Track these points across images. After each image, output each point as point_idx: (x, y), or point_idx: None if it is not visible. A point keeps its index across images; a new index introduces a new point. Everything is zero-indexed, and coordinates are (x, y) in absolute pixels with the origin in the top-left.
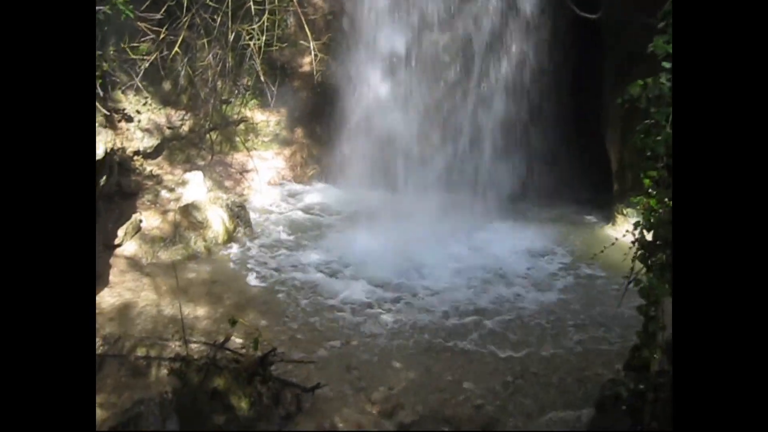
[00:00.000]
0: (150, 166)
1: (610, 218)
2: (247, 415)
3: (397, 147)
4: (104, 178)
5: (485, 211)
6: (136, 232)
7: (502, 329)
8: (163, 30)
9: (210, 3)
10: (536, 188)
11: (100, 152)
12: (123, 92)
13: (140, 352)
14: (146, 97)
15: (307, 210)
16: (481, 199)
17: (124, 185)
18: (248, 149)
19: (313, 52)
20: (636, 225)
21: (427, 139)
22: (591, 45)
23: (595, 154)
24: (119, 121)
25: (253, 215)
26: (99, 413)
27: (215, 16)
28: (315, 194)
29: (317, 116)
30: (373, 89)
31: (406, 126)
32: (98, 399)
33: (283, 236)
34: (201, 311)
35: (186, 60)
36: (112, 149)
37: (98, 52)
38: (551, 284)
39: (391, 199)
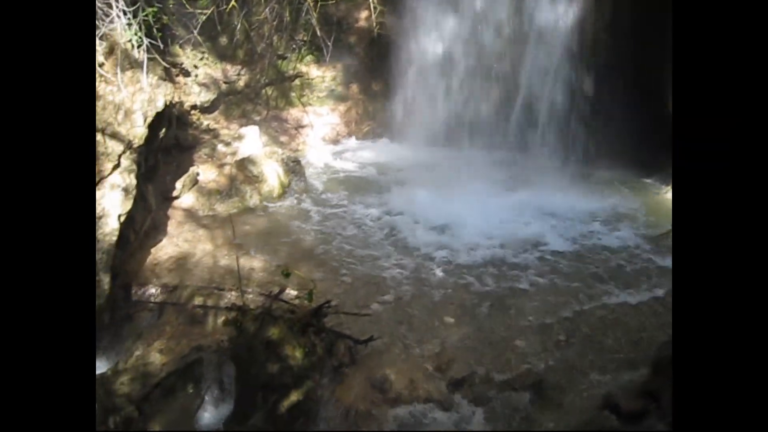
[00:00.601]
0: (206, 121)
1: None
2: (300, 365)
3: (453, 104)
4: (163, 130)
5: (542, 170)
6: (193, 185)
7: (555, 288)
8: None
9: None
10: (594, 149)
11: (159, 105)
12: (181, 46)
13: (198, 301)
14: (203, 52)
15: (361, 166)
16: (538, 158)
17: (182, 139)
18: (303, 105)
19: (372, 4)
20: None
21: (485, 96)
22: None
23: (658, 114)
24: (177, 75)
25: (308, 170)
26: (158, 358)
27: None
28: (370, 150)
29: (373, 72)
30: (431, 44)
31: (463, 82)
32: (157, 345)
33: (338, 191)
34: (256, 263)
35: (243, 14)
36: (171, 102)
37: (158, 6)
38: (606, 245)
39: (447, 156)
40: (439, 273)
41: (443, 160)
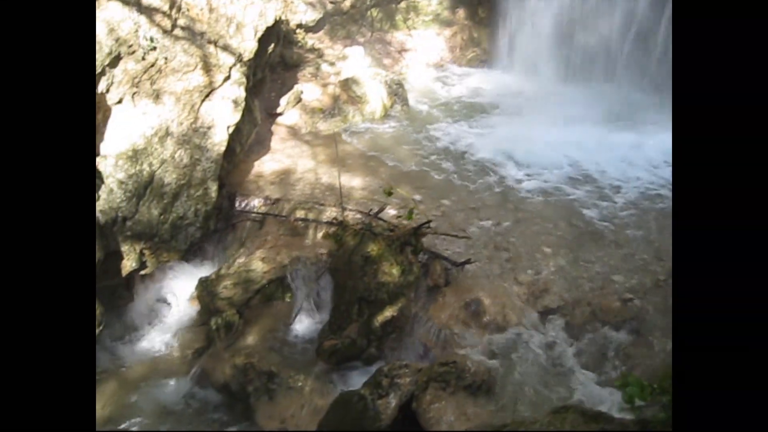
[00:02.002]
0: (311, 40)
1: None
2: (396, 282)
3: (560, 35)
4: (272, 46)
5: (648, 106)
6: (297, 103)
7: (659, 226)
8: None
9: None
10: None
11: (270, 20)
12: None
13: (299, 214)
14: None
15: (464, 92)
16: (644, 94)
17: (287, 57)
18: (408, 28)
19: None
20: None
21: (595, 26)
22: None
23: None
24: None
25: (410, 94)
26: (260, 266)
27: None
28: (473, 77)
29: None
30: None
31: (571, 13)
32: (259, 254)
33: (439, 116)
34: (356, 182)
35: None
36: (280, 18)
37: None
38: None
39: (552, 87)
40: (539, 204)
41: (548, 91)
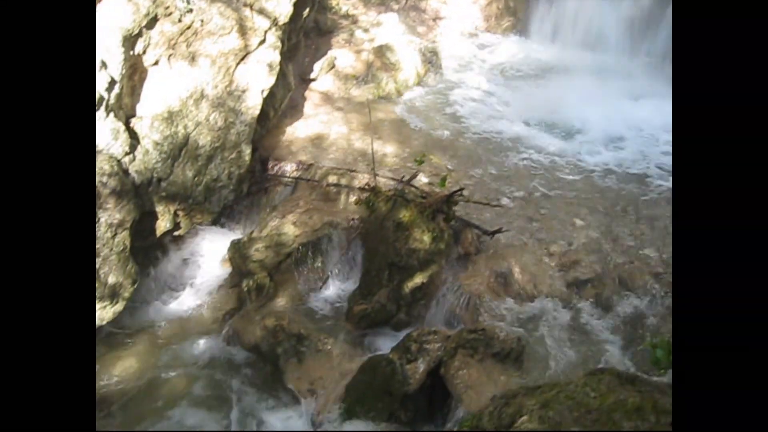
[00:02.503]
0: (346, 6)
1: None
2: (427, 249)
3: (599, 5)
4: (306, 10)
5: None
6: (330, 69)
7: None
8: None
9: None
10: None
11: None
12: None
13: (331, 179)
14: None
15: (499, 61)
16: None
17: (321, 22)
18: None
19: None
20: None
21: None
22: None
23: None
24: None
25: (444, 62)
26: (291, 229)
27: None
28: (508, 46)
29: None
30: None
31: None
32: (291, 217)
33: (473, 84)
34: (389, 149)
35: None
36: None
37: None
38: None
39: (588, 59)
40: (571, 174)
41: (585, 63)
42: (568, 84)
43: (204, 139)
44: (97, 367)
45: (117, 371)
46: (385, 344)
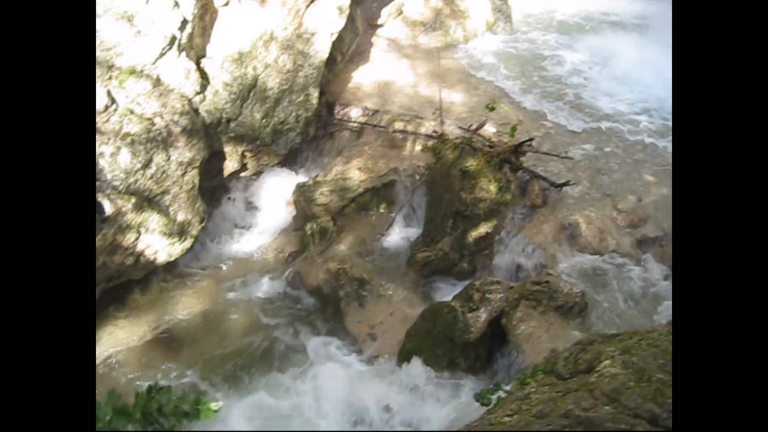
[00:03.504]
0: None
1: None
2: (493, 199)
3: None
4: None
5: None
6: (398, 15)
7: None
8: None
9: None
10: None
11: None
12: None
13: (397, 126)
14: None
15: (573, 12)
16: None
17: None
18: None
19: None
20: None
21: None
22: None
23: None
24: None
25: (514, 11)
26: (357, 175)
27: None
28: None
29: None
30: None
31: None
32: (356, 163)
33: (544, 35)
34: (456, 98)
35: None
36: None
37: None
38: None
39: (667, 13)
40: (645, 130)
41: (657, 14)
42: (646, 37)
43: (273, 82)
44: (165, 303)
45: (183, 307)
46: (446, 293)
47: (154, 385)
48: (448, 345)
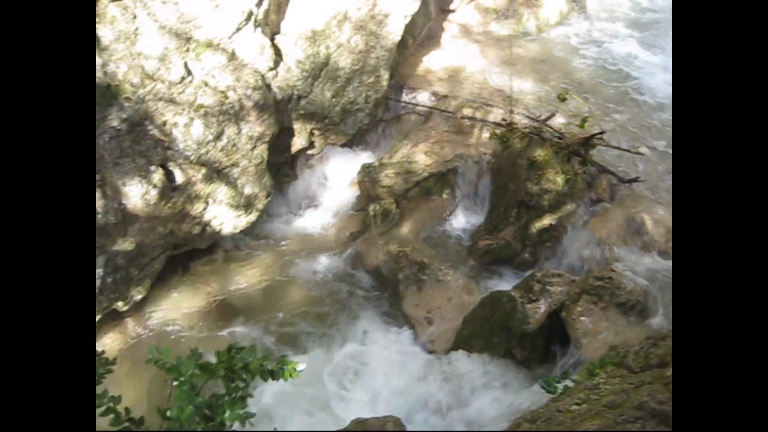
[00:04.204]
0: None
1: None
2: (560, 191)
3: None
4: None
5: None
6: (471, 1)
7: None
8: None
9: None
10: None
11: None
12: None
13: (465, 112)
14: None
15: (650, 6)
16: None
17: None
18: None
19: None
20: None
21: None
22: None
23: None
24: None
25: (589, 2)
26: (422, 159)
27: None
28: None
29: None
30: None
31: None
32: (422, 147)
33: (619, 28)
34: (526, 87)
35: None
36: None
37: None
38: None
39: None
40: None
41: None
42: None
43: (344, 61)
44: (227, 273)
45: (244, 279)
46: (505, 283)
47: (234, 344)
48: (505, 334)
